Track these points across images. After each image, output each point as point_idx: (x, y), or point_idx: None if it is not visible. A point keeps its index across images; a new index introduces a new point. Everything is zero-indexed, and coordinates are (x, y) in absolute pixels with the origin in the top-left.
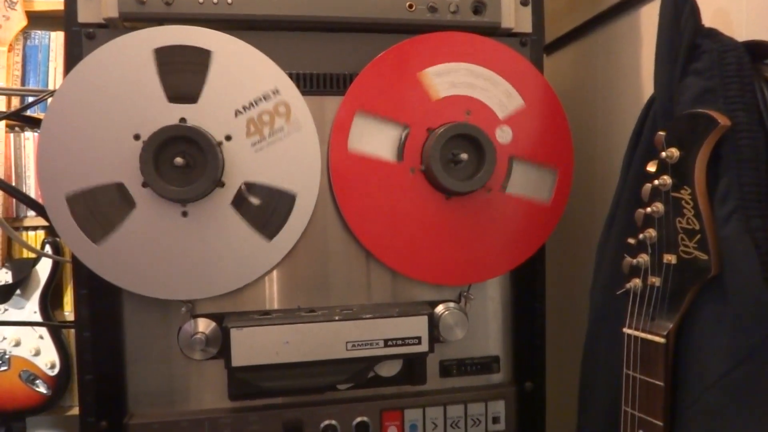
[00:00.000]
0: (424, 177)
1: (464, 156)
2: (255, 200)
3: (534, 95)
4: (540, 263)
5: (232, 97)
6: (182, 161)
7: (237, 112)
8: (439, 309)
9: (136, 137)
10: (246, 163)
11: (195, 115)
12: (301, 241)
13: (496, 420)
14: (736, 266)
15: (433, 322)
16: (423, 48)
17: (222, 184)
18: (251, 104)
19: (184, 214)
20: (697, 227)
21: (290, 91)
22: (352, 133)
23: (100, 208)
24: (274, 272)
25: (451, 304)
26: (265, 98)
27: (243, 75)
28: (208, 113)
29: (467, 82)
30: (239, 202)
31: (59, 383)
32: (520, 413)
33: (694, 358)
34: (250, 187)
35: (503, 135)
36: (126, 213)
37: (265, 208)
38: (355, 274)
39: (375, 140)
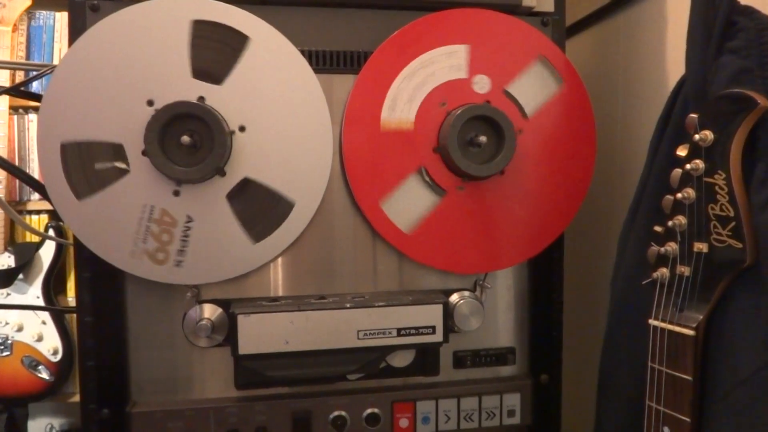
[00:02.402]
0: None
1: (483, 139)
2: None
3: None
4: (558, 252)
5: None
6: (189, 140)
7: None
8: (454, 298)
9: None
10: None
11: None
12: (310, 227)
13: (511, 413)
14: None
15: (448, 312)
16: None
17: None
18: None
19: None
20: (732, 214)
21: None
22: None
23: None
24: (281, 258)
25: (466, 293)
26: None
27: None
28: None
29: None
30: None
31: (62, 369)
32: (535, 406)
33: (725, 351)
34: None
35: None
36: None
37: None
38: (364, 260)
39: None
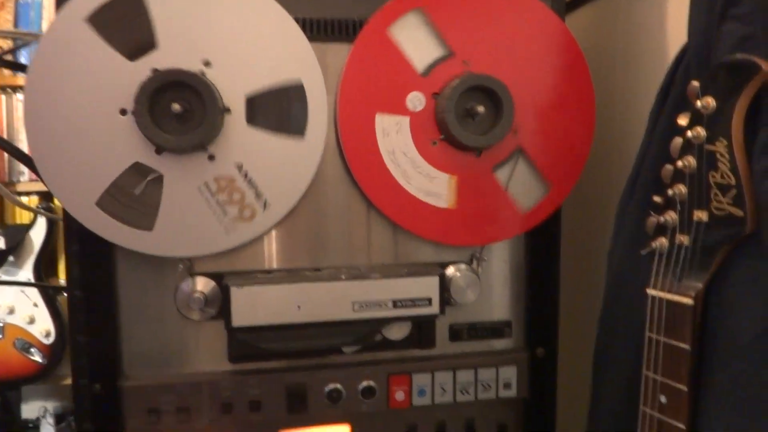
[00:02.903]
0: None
1: (481, 109)
2: None
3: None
4: (555, 226)
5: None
6: (179, 108)
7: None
8: (450, 270)
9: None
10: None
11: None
12: (304, 199)
13: (507, 386)
14: None
15: (444, 284)
16: None
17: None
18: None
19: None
20: (733, 182)
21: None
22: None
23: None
24: (274, 231)
25: (463, 266)
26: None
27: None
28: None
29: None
30: None
31: (54, 351)
32: (531, 379)
33: (724, 320)
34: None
35: None
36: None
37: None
38: (359, 233)
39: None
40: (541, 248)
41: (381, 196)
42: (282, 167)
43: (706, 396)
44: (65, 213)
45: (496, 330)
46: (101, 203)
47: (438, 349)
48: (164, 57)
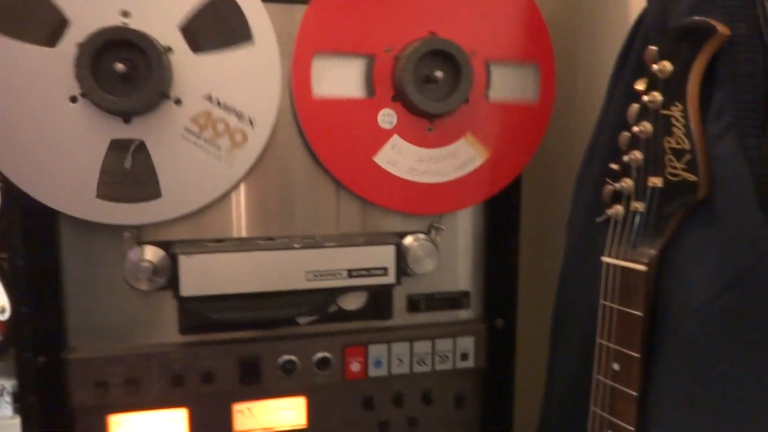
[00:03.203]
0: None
1: (439, 74)
2: None
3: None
4: (515, 196)
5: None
6: (123, 67)
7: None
8: (408, 240)
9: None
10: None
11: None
12: (262, 168)
13: (464, 357)
14: (727, 186)
15: (401, 253)
16: None
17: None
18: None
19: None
20: (687, 147)
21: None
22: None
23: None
24: (233, 201)
25: (421, 236)
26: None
27: None
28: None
29: None
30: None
31: (10, 328)
32: (489, 350)
33: (676, 287)
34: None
35: None
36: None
37: None
38: (321, 204)
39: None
40: (501, 219)
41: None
42: (248, 79)
43: (658, 363)
44: (2, 176)
45: (454, 300)
46: (101, 193)
47: (395, 321)
48: (81, 28)
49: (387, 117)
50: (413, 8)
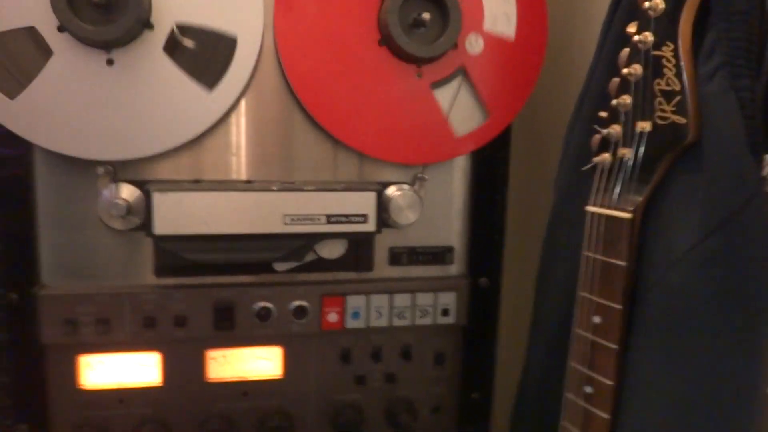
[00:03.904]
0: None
1: (426, 16)
2: (189, 43)
3: None
4: (504, 151)
5: None
6: None
7: None
8: (391, 190)
9: None
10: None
11: None
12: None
13: (445, 312)
14: (716, 125)
15: (383, 203)
16: None
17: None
18: None
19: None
20: (678, 88)
21: None
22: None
23: (12, 58)
24: (213, 141)
25: (405, 186)
26: None
27: None
28: None
29: None
30: (172, 48)
31: None
32: (472, 308)
33: (661, 236)
34: (183, 29)
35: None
36: (42, 63)
37: (202, 54)
38: (297, 147)
39: None
40: (488, 174)
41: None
42: (176, 113)
43: (639, 315)
44: None
45: (437, 255)
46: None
47: (376, 273)
48: None
49: None
50: None
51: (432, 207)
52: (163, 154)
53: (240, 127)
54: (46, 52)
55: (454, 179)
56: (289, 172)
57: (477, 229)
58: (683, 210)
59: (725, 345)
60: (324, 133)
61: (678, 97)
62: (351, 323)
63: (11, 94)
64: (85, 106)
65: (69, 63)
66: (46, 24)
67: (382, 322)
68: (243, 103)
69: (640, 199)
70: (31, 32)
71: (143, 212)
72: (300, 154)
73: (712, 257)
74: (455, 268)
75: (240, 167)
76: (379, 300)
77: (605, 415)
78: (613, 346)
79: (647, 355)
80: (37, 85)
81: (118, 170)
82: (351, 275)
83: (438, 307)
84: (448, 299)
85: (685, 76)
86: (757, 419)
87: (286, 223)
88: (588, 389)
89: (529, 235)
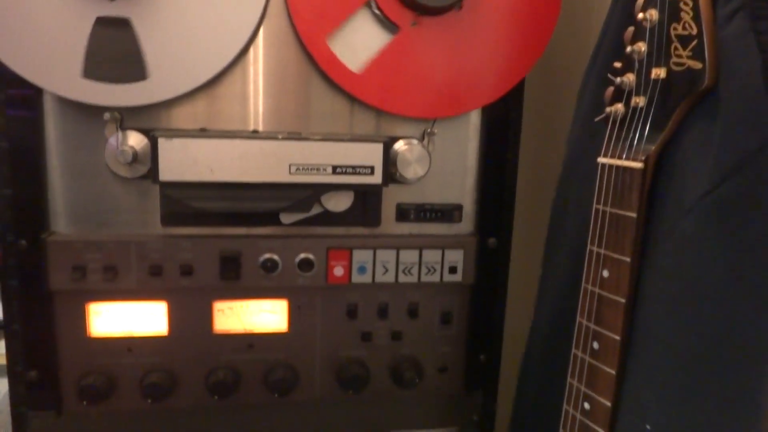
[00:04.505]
0: None
1: None
2: None
3: None
4: (517, 107)
5: None
6: None
7: None
8: (399, 144)
9: None
10: None
11: None
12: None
13: (453, 270)
14: (734, 67)
15: (390, 157)
16: None
17: None
18: None
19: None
20: (695, 31)
21: None
22: None
23: None
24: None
25: (414, 141)
26: None
27: None
28: None
29: None
30: None
31: None
32: (480, 267)
33: (674, 186)
34: None
35: None
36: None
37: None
38: (306, 101)
39: None
40: (500, 132)
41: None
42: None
43: (649, 267)
44: None
45: (445, 213)
46: (87, 73)
47: (383, 229)
48: None
49: None
50: None
51: (442, 164)
52: (172, 104)
53: (251, 80)
54: None
55: (466, 136)
56: (299, 127)
57: (487, 188)
58: (698, 158)
59: (738, 296)
60: (339, 88)
61: (695, 42)
62: (357, 278)
63: (22, 39)
64: (93, 50)
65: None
66: None
67: (389, 278)
68: (253, 56)
69: (652, 148)
70: None
71: (150, 160)
72: (315, 109)
73: (726, 204)
74: (464, 226)
75: (252, 121)
76: (386, 255)
77: (611, 371)
78: (621, 300)
79: (656, 309)
80: (48, 29)
81: (126, 118)
82: (358, 230)
83: (445, 264)
84: (455, 257)
85: (702, 19)
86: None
87: (291, 173)
88: (595, 345)
89: (541, 195)
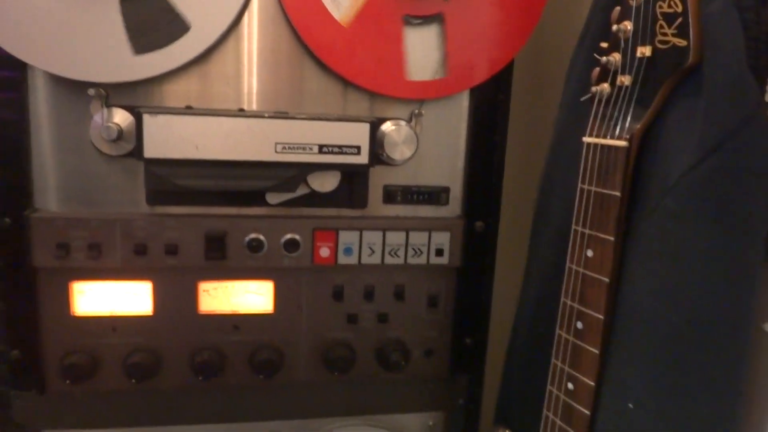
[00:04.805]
0: None
1: None
2: None
3: None
4: (506, 90)
5: None
6: None
7: None
8: (386, 125)
9: None
10: None
11: None
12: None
13: (439, 252)
14: (718, 44)
15: (377, 137)
16: None
17: None
18: None
19: None
20: (680, 9)
21: None
22: None
23: None
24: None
25: (402, 122)
26: None
27: None
28: None
29: None
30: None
31: None
32: (467, 250)
33: (658, 164)
34: None
35: None
36: None
37: (152, 20)
38: (291, 80)
39: None
40: (488, 114)
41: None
42: (96, 53)
43: (633, 246)
44: None
45: (433, 195)
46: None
47: (370, 210)
48: None
49: None
50: None
51: (430, 147)
52: (160, 81)
53: (245, 60)
54: None
55: (454, 119)
56: (284, 106)
57: (475, 171)
58: (682, 136)
59: (720, 273)
60: (323, 67)
61: (680, 19)
62: (343, 259)
63: (7, 14)
64: (78, 25)
65: None
66: None
67: (375, 260)
68: (247, 34)
69: (637, 126)
70: None
71: (135, 138)
72: (308, 90)
73: (709, 179)
74: (451, 209)
75: (246, 102)
76: (372, 237)
77: (595, 350)
78: (605, 279)
79: (639, 287)
80: (33, 3)
81: (113, 96)
82: (345, 212)
83: (432, 246)
84: (442, 239)
85: None
86: (751, 349)
87: (277, 152)
88: (579, 324)
89: (530, 179)
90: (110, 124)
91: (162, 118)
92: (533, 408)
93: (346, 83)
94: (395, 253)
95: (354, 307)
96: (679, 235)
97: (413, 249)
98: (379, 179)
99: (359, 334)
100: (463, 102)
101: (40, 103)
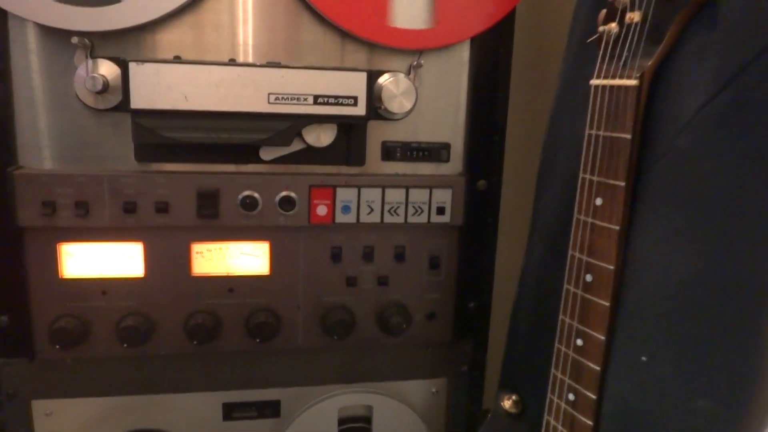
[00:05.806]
0: None
1: None
2: None
3: None
4: (507, 45)
5: None
6: None
7: None
8: (384, 77)
9: None
10: None
11: None
12: None
13: (440, 210)
14: None
15: (374, 89)
16: None
17: None
18: None
19: None
20: None
21: None
22: None
23: None
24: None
25: (400, 74)
26: None
27: None
28: None
29: None
30: None
31: None
32: (469, 209)
33: (671, 103)
34: None
35: None
36: None
37: None
38: (286, 30)
39: None
40: (490, 67)
41: None
42: None
43: (644, 191)
44: None
45: (433, 152)
46: None
47: (368, 168)
48: None
49: None
50: None
51: (429, 101)
52: (149, 31)
53: (240, 9)
54: None
55: (454, 72)
56: (280, 58)
57: (476, 126)
58: (695, 72)
59: (737, 214)
60: (317, 17)
61: None
62: (341, 217)
63: None
64: None
65: None
66: None
67: (374, 218)
68: None
69: (648, 64)
70: None
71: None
72: (305, 42)
73: (724, 114)
74: (452, 166)
75: (241, 54)
76: (371, 194)
77: (606, 303)
78: (615, 228)
79: (651, 234)
80: None
81: (99, 47)
82: (342, 169)
83: (433, 204)
84: (443, 196)
85: None
86: None
87: (270, 102)
88: (588, 277)
89: (534, 135)
90: (95, 75)
91: (149, 67)
92: (540, 370)
93: (343, 34)
94: (395, 212)
95: (353, 269)
96: (693, 176)
97: (413, 207)
98: (377, 135)
99: (358, 297)
100: (463, 54)
101: (22, 54)
